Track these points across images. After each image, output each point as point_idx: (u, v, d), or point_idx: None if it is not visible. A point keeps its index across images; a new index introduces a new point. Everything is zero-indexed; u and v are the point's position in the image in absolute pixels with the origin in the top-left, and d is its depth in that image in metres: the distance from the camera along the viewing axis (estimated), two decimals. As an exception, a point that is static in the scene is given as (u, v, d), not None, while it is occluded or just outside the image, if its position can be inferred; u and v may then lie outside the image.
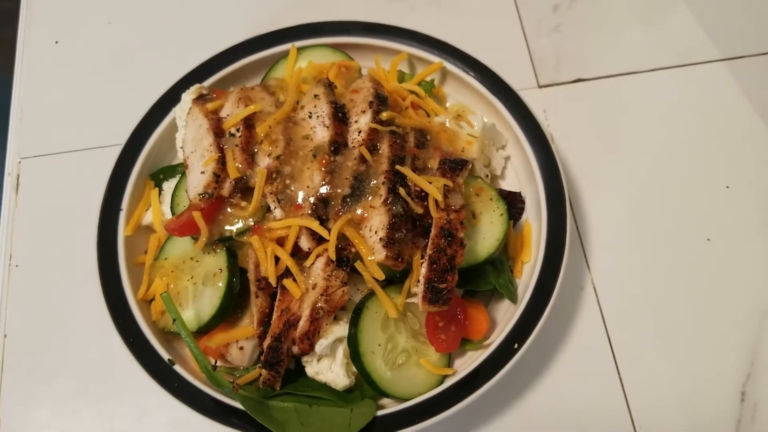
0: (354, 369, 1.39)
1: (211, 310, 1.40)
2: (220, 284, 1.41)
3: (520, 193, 1.65)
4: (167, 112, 1.66)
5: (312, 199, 1.37)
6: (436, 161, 1.46)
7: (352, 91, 1.54)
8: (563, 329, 1.61)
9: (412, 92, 1.63)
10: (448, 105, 1.77)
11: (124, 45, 2.03)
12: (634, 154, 1.82)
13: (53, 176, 1.83)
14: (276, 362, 1.33)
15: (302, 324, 1.33)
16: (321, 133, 1.44)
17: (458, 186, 1.41)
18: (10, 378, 1.60)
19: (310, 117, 1.46)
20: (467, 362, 1.45)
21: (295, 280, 1.36)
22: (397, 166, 1.40)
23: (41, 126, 1.91)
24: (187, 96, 1.62)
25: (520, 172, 1.69)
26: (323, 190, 1.38)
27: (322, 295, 1.33)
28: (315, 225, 1.35)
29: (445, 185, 1.38)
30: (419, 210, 1.38)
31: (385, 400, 1.43)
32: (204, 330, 1.43)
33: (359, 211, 1.38)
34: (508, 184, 1.70)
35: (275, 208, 1.39)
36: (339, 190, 1.38)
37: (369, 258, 1.33)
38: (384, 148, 1.43)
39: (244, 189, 1.42)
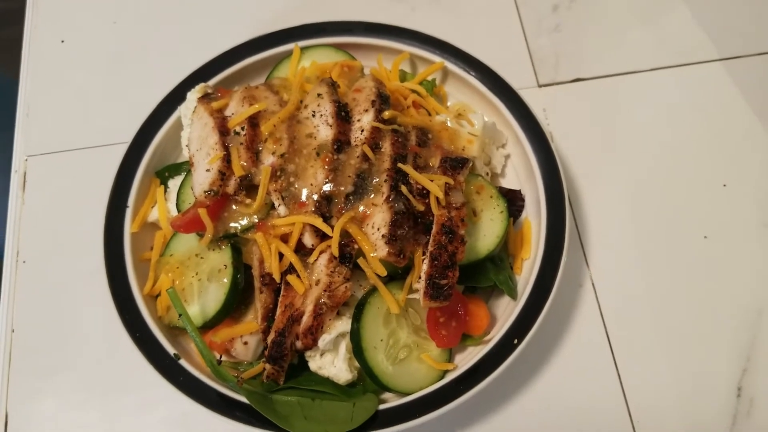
0: (356, 364, 1.40)
1: (216, 306, 1.42)
2: (225, 280, 1.42)
3: (520, 191, 1.66)
4: (173, 110, 1.67)
5: (315, 197, 1.38)
6: (437, 159, 1.47)
7: (355, 91, 1.55)
8: (562, 326, 1.62)
9: (414, 91, 1.63)
10: (449, 104, 1.78)
11: (129, 44, 2.03)
12: (632, 153, 1.83)
13: (60, 174, 1.84)
14: (280, 357, 1.33)
15: (306, 319, 1.34)
16: (324, 132, 1.45)
17: (459, 184, 1.42)
18: (17, 372, 1.61)
19: (313, 116, 1.47)
20: (468, 357, 1.46)
21: (298, 276, 1.37)
22: (399, 164, 1.40)
23: (48, 124, 1.92)
24: (193, 95, 1.63)
25: (520, 171, 1.70)
26: (326, 187, 1.39)
27: (325, 290, 1.33)
28: (318, 222, 1.35)
29: (446, 183, 1.39)
30: (421, 207, 1.38)
31: (386, 395, 1.44)
32: (209, 325, 1.44)
33: (362, 209, 1.39)
34: (508, 182, 1.71)
35: (279, 205, 1.40)
36: (342, 188, 1.39)
37: (371, 254, 1.34)
38: (386, 147, 1.44)
39: (248, 186, 1.43)
